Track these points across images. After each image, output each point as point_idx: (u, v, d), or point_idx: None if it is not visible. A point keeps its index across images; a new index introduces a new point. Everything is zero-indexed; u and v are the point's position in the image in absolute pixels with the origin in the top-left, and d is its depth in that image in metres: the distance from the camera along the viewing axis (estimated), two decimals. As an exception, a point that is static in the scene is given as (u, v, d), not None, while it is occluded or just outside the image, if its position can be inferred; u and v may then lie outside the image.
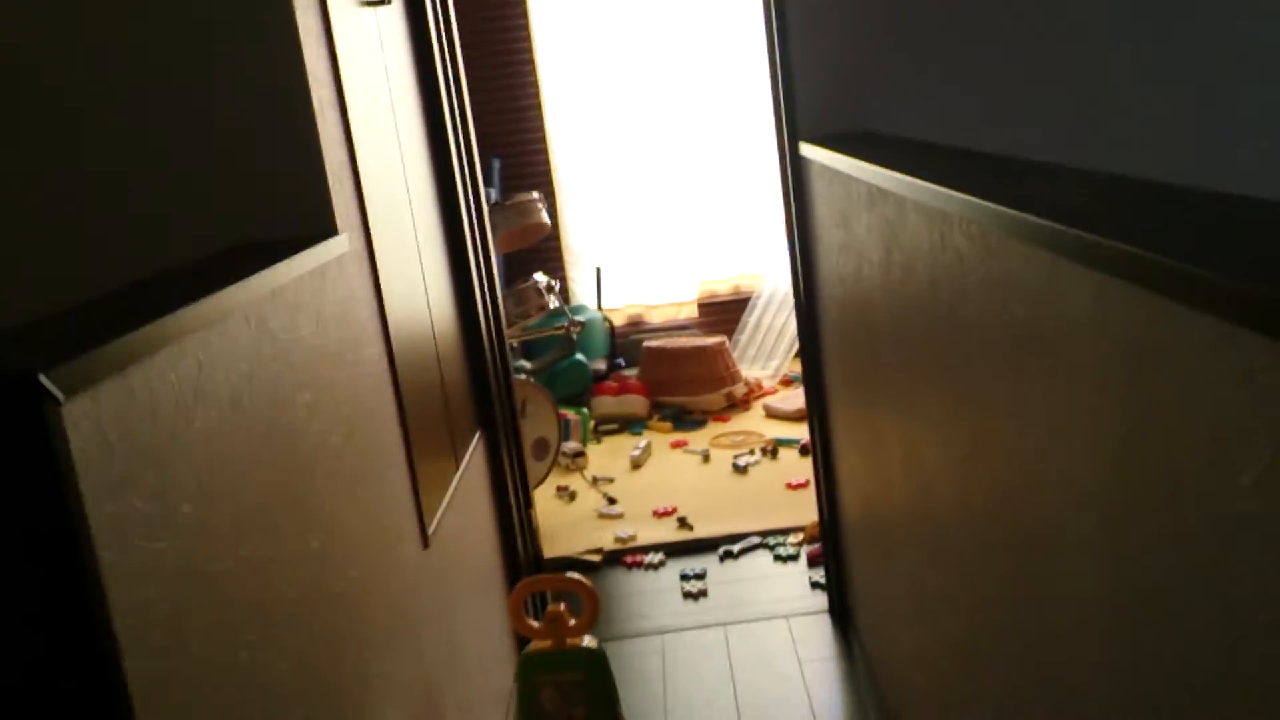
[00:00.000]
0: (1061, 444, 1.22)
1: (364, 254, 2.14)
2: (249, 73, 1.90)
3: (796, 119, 2.97)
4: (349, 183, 2.10)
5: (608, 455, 5.09)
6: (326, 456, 1.72)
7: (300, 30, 1.90)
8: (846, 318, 2.61)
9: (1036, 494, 1.33)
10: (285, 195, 1.93)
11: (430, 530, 2.35)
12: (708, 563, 3.88)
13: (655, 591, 3.72)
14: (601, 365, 5.92)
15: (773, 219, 6.27)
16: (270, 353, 1.52)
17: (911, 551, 2.25)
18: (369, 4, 2.51)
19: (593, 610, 2.45)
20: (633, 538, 4.09)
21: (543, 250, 5.94)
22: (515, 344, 4.93)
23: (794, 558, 3.82)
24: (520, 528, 3.34)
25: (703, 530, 4.09)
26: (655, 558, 3.94)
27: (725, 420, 5.38)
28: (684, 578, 3.77)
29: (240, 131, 1.91)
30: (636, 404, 5.45)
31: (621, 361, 6.12)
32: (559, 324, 4.56)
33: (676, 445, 5.09)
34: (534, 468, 4.32)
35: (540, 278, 4.52)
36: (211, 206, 1.90)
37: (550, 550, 4.06)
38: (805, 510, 4.12)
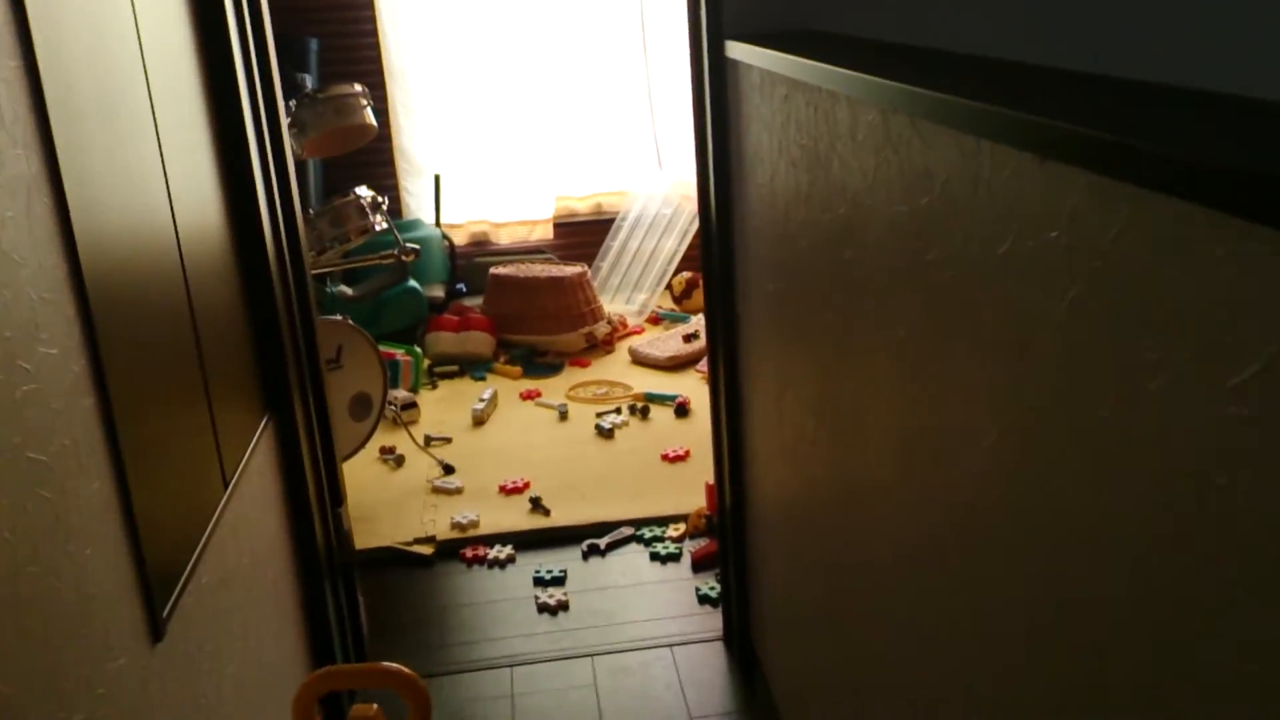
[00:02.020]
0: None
1: (42, 181, 1.26)
2: None
3: (721, 8, 2.17)
4: (11, 57, 1.20)
5: (444, 405, 4.26)
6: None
7: None
8: (797, 263, 1.85)
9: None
10: None
11: (168, 611, 1.52)
12: (568, 560, 3.14)
13: (503, 600, 2.96)
14: (439, 292, 5.05)
15: (643, 130, 5.46)
16: None
17: (861, 566, 1.56)
18: None
19: (421, 717, 1.68)
20: (474, 523, 3.30)
21: (370, 153, 4.97)
22: (333, 272, 4.01)
23: (675, 557, 3.11)
24: (326, 535, 2.51)
25: (561, 515, 3.34)
26: (503, 551, 3.17)
27: (585, 365, 4.61)
28: (539, 582, 3.02)
29: None
30: (480, 342, 4.62)
31: (463, 287, 5.25)
32: (387, 251, 3.68)
33: (527, 396, 4.29)
34: (351, 431, 3.47)
35: (363, 191, 3.61)
36: None
37: (369, 538, 3.24)
38: (686, 492, 3.41)
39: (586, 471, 3.61)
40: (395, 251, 3.65)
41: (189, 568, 1.64)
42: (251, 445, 2.09)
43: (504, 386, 4.40)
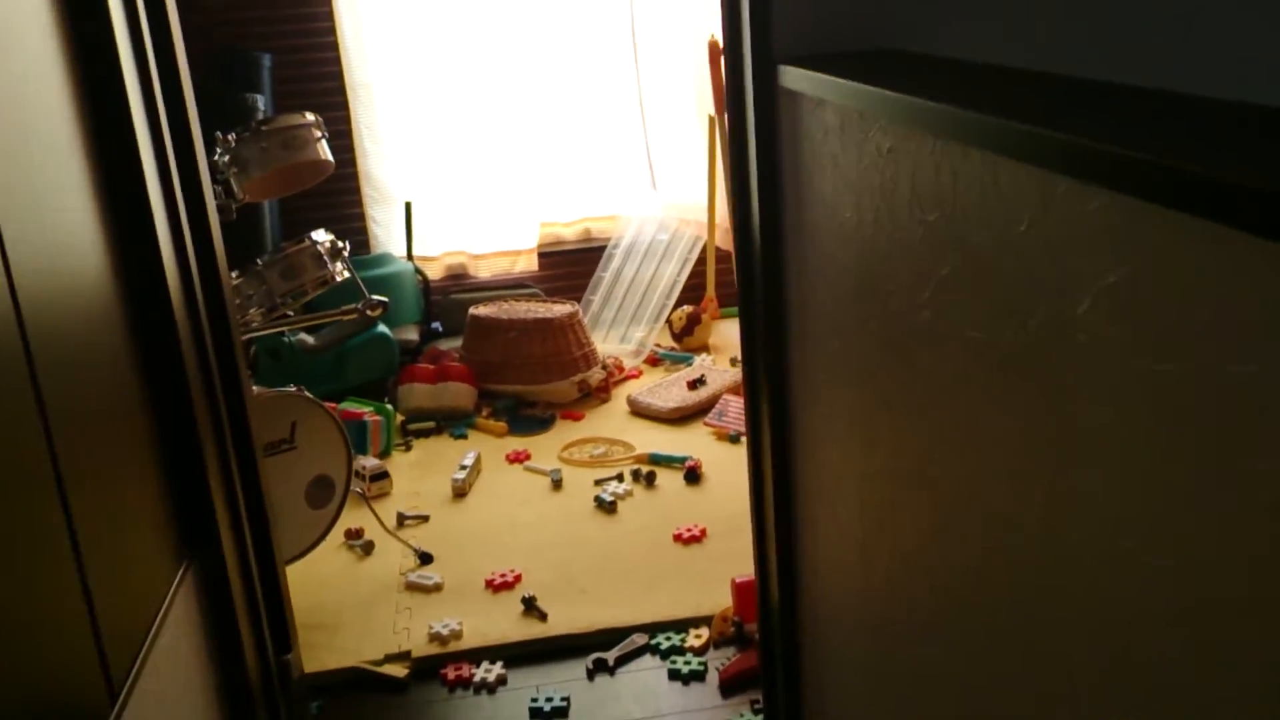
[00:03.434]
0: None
1: None
2: None
3: (770, 21, 1.65)
4: None
5: (420, 471, 3.73)
6: None
7: None
8: (912, 389, 1.35)
9: None
10: None
11: None
12: (571, 679, 2.62)
13: (493, 740, 2.44)
14: (412, 335, 4.52)
15: (634, 147, 4.94)
16: None
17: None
18: None
19: None
20: (456, 634, 2.77)
21: (333, 180, 4.41)
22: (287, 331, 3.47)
23: (699, 675, 2.60)
24: (269, 696, 1.99)
25: (560, 619, 2.81)
26: (491, 671, 2.64)
27: (578, 418, 4.09)
28: (537, 714, 2.50)
29: None
30: (460, 395, 4.09)
31: (438, 327, 4.72)
32: (350, 306, 3.15)
33: (515, 459, 3.77)
34: (309, 522, 2.94)
35: (321, 236, 3.08)
36: None
37: (330, 654, 2.71)
38: (704, 584, 2.90)
39: (587, 558, 3.09)
40: (359, 306, 3.12)
41: None
42: (159, 615, 1.57)
43: (488, 446, 3.87)
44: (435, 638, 2.75)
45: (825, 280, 1.56)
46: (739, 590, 2.69)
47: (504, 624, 2.81)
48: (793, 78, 1.55)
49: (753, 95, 1.69)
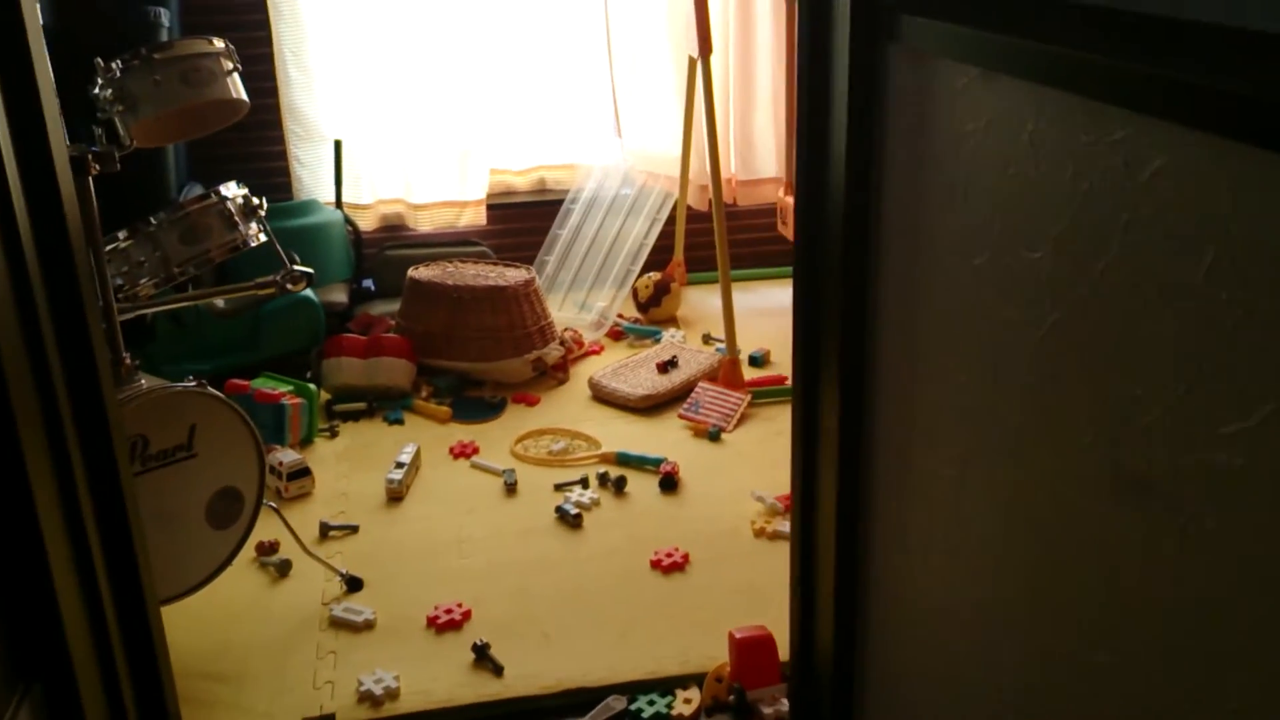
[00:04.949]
0: None
1: None
2: None
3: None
4: None
5: (348, 465, 3.19)
6: None
7: None
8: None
9: None
10: None
11: None
12: (532, 755, 2.15)
13: (438, 842, 1.95)
14: (340, 296, 3.94)
15: (598, 90, 4.39)
16: None
17: None
18: None
19: None
20: (392, 692, 2.27)
21: (252, 115, 3.79)
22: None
23: (690, 756, 2.14)
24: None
25: (518, 671, 2.33)
26: (435, 742, 2.16)
27: (533, 402, 3.57)
28: (491, 805, 2.03)
29: None
30: (396, 371, 3.54)
31: (370, 285, 4.15)
32: (266, 278, 2.58)
33: (460, 453, 3.25)
34: (212, 544, 2.41)
35: (231, 190, 2.50)
36: None
37: (232, 716, 2.19)
38: (688, 626, 2.44)
39: (549, 588, 2.60)
40: (277, 278, 2.55)
41: None
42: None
43: (428, 435, 3.35)
44: (366, 696, 2.25)
45: (959, 340, 1.07)
46: (740, 649, 2.22)
47: (450, 678, 2.31)
48: (928, 34, 1.04)
49: (849, 57, 1.18)
